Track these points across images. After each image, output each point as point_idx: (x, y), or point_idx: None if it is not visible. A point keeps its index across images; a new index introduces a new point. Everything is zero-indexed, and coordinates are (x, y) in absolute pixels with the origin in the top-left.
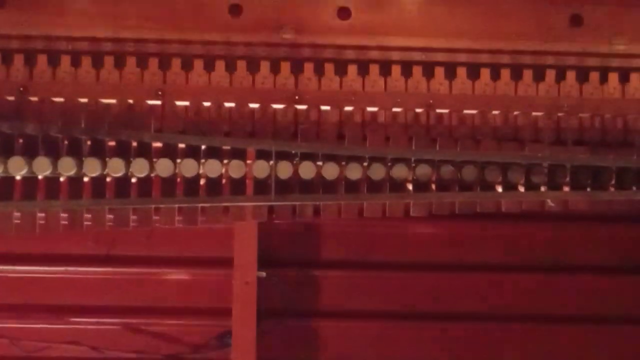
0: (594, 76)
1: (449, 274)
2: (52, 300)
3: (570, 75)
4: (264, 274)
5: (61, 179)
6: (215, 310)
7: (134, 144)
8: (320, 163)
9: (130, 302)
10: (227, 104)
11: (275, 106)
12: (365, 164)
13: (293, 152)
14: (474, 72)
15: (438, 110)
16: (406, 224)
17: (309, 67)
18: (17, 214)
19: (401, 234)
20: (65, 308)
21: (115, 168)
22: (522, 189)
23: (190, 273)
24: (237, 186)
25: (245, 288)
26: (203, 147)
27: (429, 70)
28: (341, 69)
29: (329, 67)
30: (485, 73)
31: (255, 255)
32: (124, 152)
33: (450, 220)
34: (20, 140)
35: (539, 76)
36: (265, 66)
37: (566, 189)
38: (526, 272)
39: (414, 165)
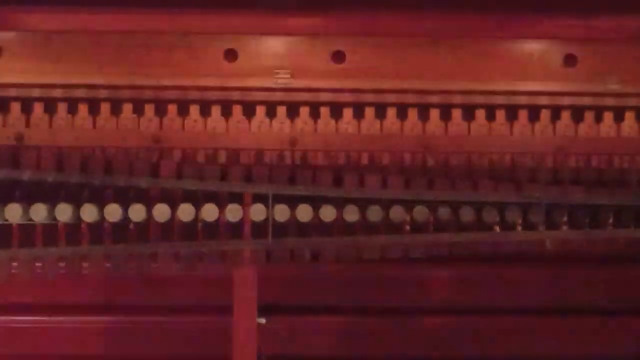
0: (589, 115)
1: (450, 318)
2: (50, 350)
3: (565, 115)
4: (264, 320)
5: (59, 226)
6: (216, 358)
7: (131, 189)
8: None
9: (130, 350)
10: (223, 149)
11: (271, 150)
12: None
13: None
14: (469, 113)
15: (434, 152)
16: (407, 267)
17: (304, 111)
18: (14, 263)
19: (402, 278)
20: (63, 358)
21: (112, 214)
22: (520, 229)
23: (190, 321)
24: (234, 230)
25: (245, 335)
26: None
27: (424, 112)
28: (337, 112)
29: (325, 111)
30: (480, 114)
31: (255, 302)
32: (120, 198)
33: (451, 263)
34: (18, 188)
35: (534, 116)
36: (260, 110)
37: (565, 228)
38: (527, 314)
39: (411, 206)
